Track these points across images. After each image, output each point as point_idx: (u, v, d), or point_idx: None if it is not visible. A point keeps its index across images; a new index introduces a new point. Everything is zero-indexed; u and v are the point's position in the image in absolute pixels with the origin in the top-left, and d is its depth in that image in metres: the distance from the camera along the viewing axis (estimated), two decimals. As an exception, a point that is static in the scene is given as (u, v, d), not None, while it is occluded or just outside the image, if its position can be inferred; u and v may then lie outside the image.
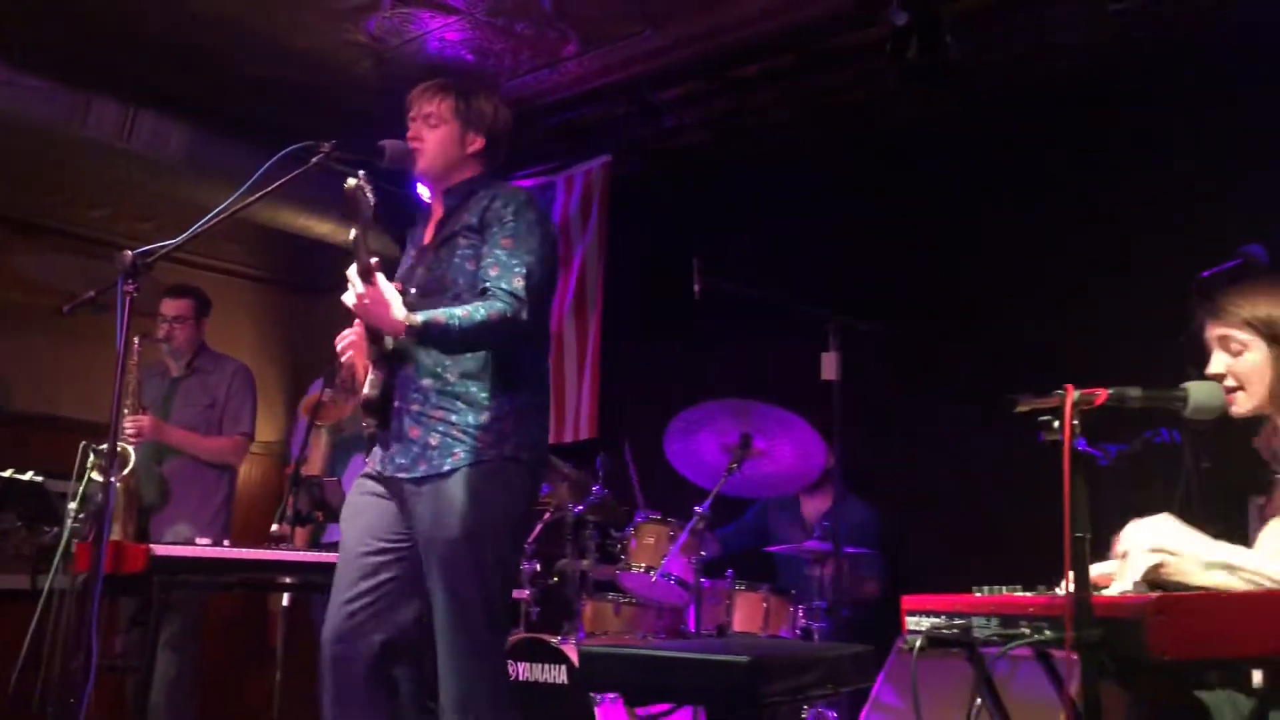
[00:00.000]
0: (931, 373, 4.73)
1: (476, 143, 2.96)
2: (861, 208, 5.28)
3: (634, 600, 4.26)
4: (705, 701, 2.16)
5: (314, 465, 4.82)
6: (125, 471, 4.06)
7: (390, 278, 2.82)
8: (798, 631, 4.11)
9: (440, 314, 2.61)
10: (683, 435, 4.22)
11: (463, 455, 2.68)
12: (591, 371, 5.92)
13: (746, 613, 4.09)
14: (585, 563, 4.19)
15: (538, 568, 4.36)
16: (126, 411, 4.25)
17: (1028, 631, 1.92)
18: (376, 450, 2.84)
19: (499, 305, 2.63)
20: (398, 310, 2.56)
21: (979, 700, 2.46)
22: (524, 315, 2.66)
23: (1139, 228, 4.34)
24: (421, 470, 2.72)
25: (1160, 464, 3.31)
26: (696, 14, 4.97)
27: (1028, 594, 2.02)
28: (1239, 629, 1.69)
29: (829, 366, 3.80)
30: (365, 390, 2.78)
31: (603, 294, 5.93)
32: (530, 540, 4.49)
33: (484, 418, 2.71)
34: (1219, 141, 4.24)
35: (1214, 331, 2.28)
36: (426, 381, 2.77)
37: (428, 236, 2.98)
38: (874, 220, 5.23)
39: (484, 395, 2.73)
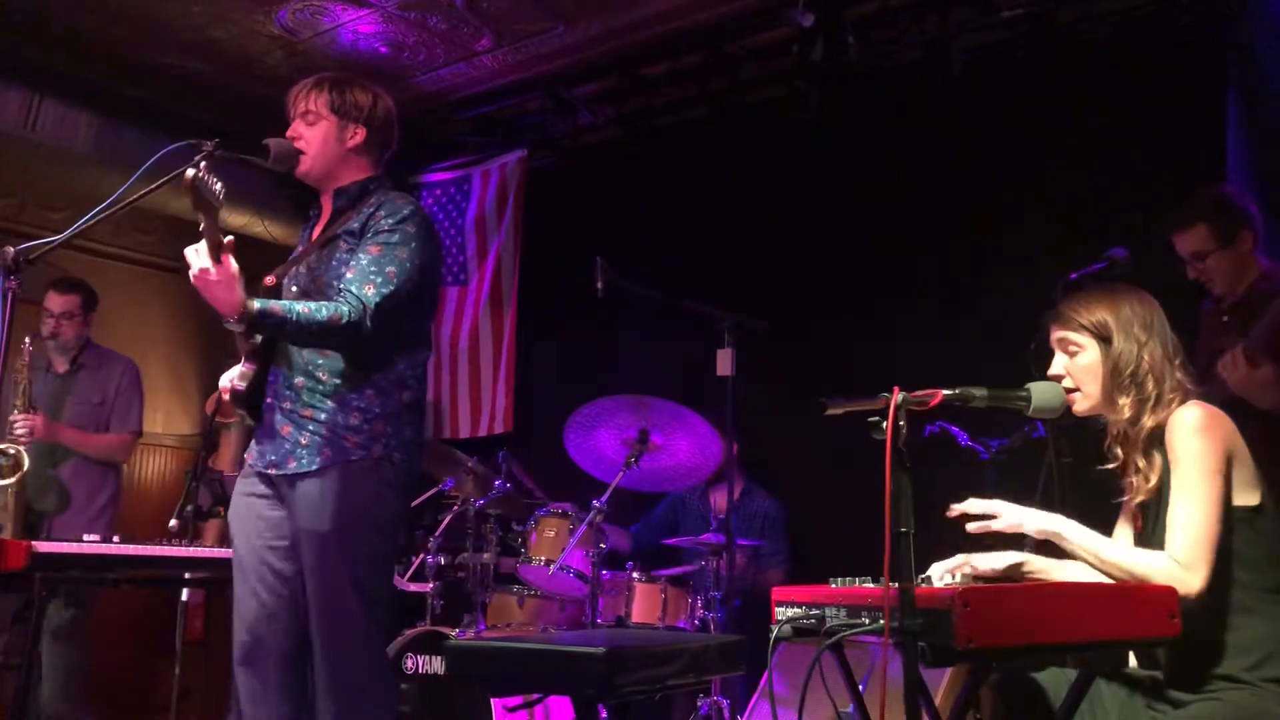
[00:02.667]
0: (823, 369, 4.83)
1: (357, 135, 2.92)
2: (761, 207, 5.37)
3: (537, 593, 4.31)
4: (567, 691, 2.22)
5: (224, 460, 4.78)
6: (20, 473, 4.01)
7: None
8: (696, 622, 4.18)
9: (279, 305, 2.60)
10: (582, 430, 4.27)
11: (332, 454, 2.70)
12: (507, 366, 5.96)
13: (645, 604, 4.15)
14: (486, 556, 4.22)
15: (442, 561, 4.39)
16: (17, 410, 4.19)
17: (867, 621, 2.00)
18: (253, 445, 2.86)
19: (343, 309, 2.63)
20: (238, 293, 2.53)
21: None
22: (366, 323, 2.64)
23: (1028, 227, 4.46)
24: (291, 468, 2.72)
25: (1039, 458, 3.44)
26: (607, 12, 5.02)
27: (871, 585, 2.11)
28: (1036, 618, 1.80)
29: (724, 363, 3.87)
30: (234, 383, 2.78)
31: (518, 290, 5.97)
32: (437, 534, 4.52)
33: (354, 419, 2.73)
34: (1105, 140, 4.38)
35: (1055, 335, 2.39)
36: (299, 380, 2.77)
37: (315, 234, 2.98)
38: (772, 219, 5.33)
39: (355, 396, 2.74)
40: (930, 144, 4.85)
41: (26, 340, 4.34)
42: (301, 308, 2.62)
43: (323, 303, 2.66)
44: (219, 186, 2.48)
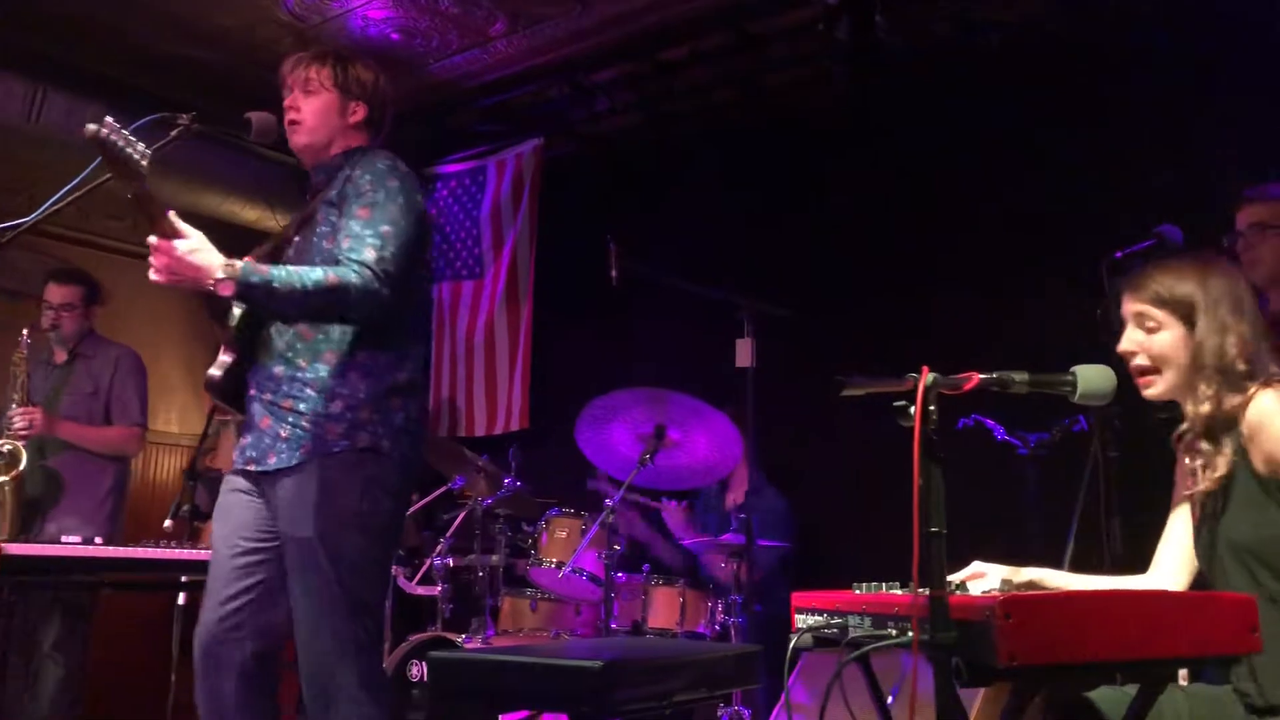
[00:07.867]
0: (846, 359, 4.61)
1: (359, 112, 2.78)
2: (786, 192, 5.17)
3: (551, 596, 4.11)
4: (563, 708, 2.02)
5: (221, 459, 4.62)
6: (17, 470, 3.87)
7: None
8: (716, 627, 3.97)
9: (266, 266, 2.42)
10: (595, 424, 4.05)
11: (313, 447, 2.51)
12: (523, 363, 5.78)
13: (663, 608, 3.95)
14: (495, 558, 4.03)
15: (451, 563, 4.20)
16: (16, 404, 4.08)
17: (894, 632, 1.79)
18: (239, 442, 2.69)
19: (348, 275, 2.43)
20: (208, 257, 2.33)
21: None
22: (381, 289, 2.45)
23: (1069, 206, 4.23)
24: (272, 463, 2.55)
25: (1080, 453, 3.20)
26: (625, -8, 4.84)
27: (899, 592, 1.89)
28: (1092, 632, 1.53)
29: (743, 353, 3.65)
30: (210, 370, 2.61)
31: (534, 284, 5.79)
32: (447, 535, 4.34)
33: (336, 406, 2.53)
34: (1145, 119, 4.13)
35: (1131, 306, 2.11)
36: (278, 369, 2.60)
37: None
38: (798, 204, 5.12)
39: (337, 382, 2.54)
40: (962, 123, 4.61)
41: (24, 332, 4.25)
42: (290, 268, 2.43)
43: (317, 266, 2.47)
44: (141, 148, 2.24)
